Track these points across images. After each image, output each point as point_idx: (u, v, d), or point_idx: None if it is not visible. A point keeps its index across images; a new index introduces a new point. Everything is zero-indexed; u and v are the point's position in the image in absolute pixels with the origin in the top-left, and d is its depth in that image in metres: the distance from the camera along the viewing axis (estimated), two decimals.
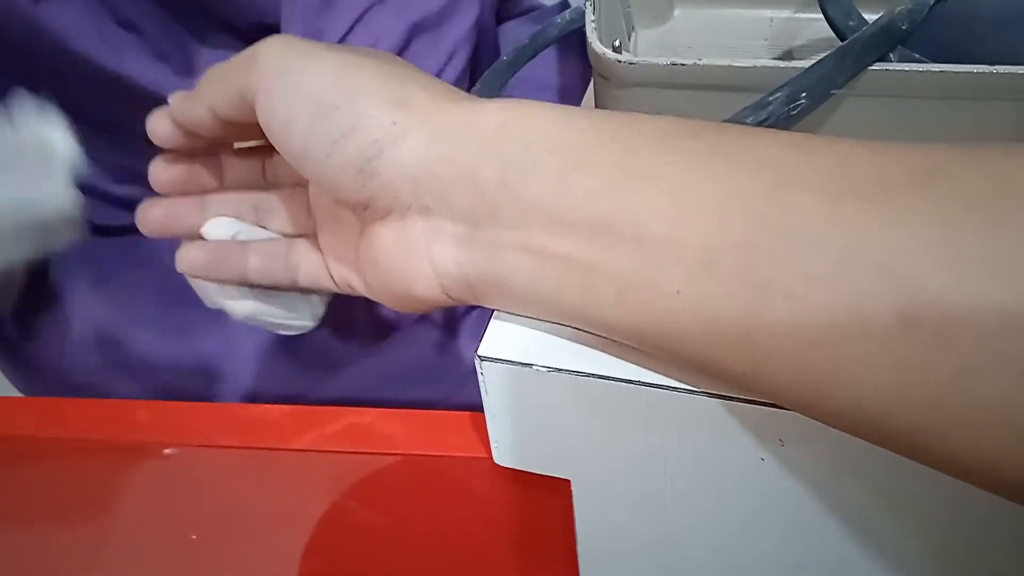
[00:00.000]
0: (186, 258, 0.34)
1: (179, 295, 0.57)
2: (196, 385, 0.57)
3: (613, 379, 0.28)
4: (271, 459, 0.38)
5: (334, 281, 0.34)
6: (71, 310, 0.59)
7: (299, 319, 0.37)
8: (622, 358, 0.28)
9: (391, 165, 0.26)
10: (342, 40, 0.46)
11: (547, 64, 0.58)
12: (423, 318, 0.57)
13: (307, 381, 0.57)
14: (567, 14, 0.44)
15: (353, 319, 0.58)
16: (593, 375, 0.28)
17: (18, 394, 0.61)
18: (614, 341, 0.28)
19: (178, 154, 0.34)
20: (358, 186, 0.27)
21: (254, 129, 0.29)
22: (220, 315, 0.56)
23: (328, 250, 0.34)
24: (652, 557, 0.35)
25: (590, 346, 0.29)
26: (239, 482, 0.40)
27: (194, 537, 0.43)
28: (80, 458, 0.41)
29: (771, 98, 0.32)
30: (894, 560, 0.30)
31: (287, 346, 0.57)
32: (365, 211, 0.28)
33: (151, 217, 0.35)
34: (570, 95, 0.61)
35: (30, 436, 0.40)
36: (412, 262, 0.28)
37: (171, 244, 0.55)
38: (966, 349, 0.19)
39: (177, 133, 0.32)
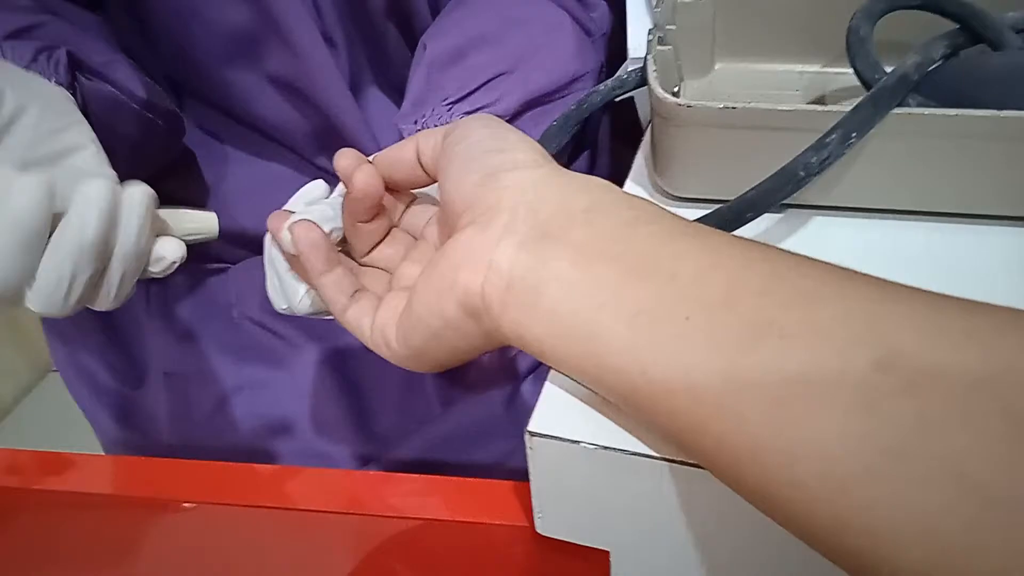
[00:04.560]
0: (304, 234, 0.36)
1: (250, 349, 0.60)
2: (262, 443, 0.59)
3: (658, 458, 0.29)
4: (310, 521, 0.39)
5: (371, 329, 0.36)
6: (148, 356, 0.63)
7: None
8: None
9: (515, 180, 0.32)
10: (465, 99, 0.50)
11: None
12: (488, 386, 0.59)
13: (376, 442, 0.59)
14: (608, 82, 0.48)
15: (421, 386, 0.60)
16: (638, 453, 0.29)
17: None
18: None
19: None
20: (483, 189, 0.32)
21: None
22: (289, 372, 0.59)
23: (388, 303, 0.36)
24: None
25: (632, 427, 0.30)
26: (277, 542, 0.42)
27: None
28: (104, 512, 0.44)
29: (827, 139, 0.35)
30: None
31: (355, 407, 0.59)
32: (463, 213, 0.32)
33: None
34: (604, 149, 0.64)
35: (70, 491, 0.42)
36: (475, 253, 0.31)
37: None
38: (931, 401, 0.20)
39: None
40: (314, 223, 0.36)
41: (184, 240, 0.40)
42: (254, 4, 0.51)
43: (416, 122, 0.50)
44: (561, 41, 0.55)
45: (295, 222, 0.36)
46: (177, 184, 0.57)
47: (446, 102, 0.50)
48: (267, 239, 0.40)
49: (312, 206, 0.39)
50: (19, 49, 0.44)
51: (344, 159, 0.36)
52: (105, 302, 0.39)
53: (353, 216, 0.38)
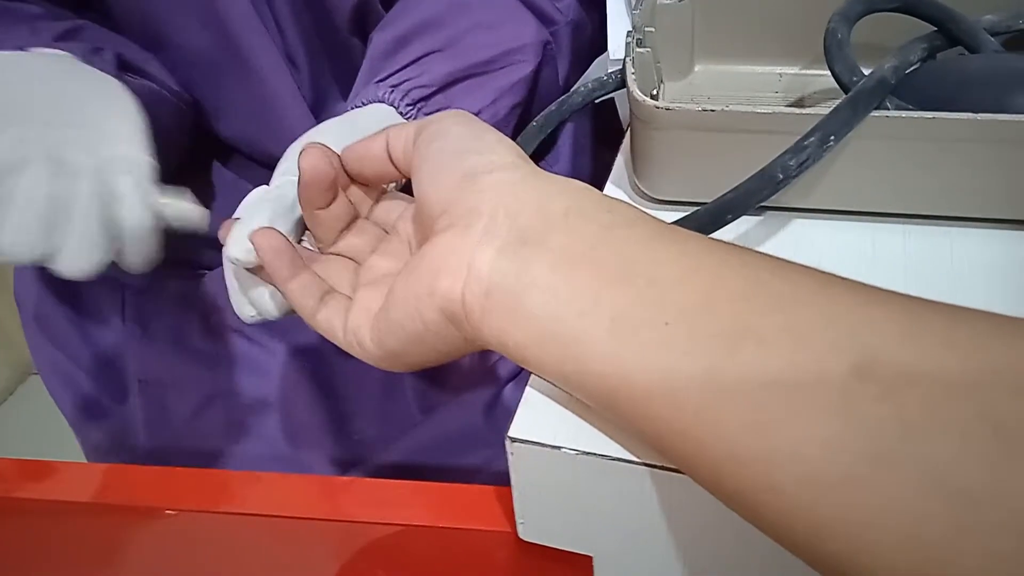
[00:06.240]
0: (265, 242, 0.36)
1: (227, 355, 0.60)
2: (240, 449, 0.58)
3: (639, 463, 0.29)
4: (293, 527, 0.39)
5: (343, 331, 0.36)
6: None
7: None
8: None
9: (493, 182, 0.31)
10: (393, 75, 0.50)
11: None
12: (469, 391, 0.59)
13: (356, 449, 0.59)
14: (588, 83, 0.48)
15: (401, 392, 0.60)
16: (619, 459, 0.30)
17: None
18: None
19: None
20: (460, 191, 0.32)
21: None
22: (267, 378, 0.59)
23: (360, 303, 0.36)
24: None
25: (613, 432, 0.30)
26: (260, 550, 0.42)
27: None
28: (85, 520, 0.43)
29: (806, 142, 0.35)
30: None
31: (334, 414, 0.59)
32: (440, 216, 0.32)
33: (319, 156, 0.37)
34: (584, 150, 0.65)
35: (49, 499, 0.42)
36: (454, 258, 0.30)
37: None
38: (911, 406, 0.20)
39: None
40: (274, 229, 0.36)
41: (173, 224, 0.41)
42: (215, 30, 0.52)
43: (351, 108, 0.49)
44: (500, 19, 0.55)
45: (255, 231, 0.36)
46: None
47: (375, 80, 0.50)
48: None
49: (255, 208, 0.39)
50: (72, 51, 0.46)
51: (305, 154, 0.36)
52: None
53: (309, 203, 0.37)
